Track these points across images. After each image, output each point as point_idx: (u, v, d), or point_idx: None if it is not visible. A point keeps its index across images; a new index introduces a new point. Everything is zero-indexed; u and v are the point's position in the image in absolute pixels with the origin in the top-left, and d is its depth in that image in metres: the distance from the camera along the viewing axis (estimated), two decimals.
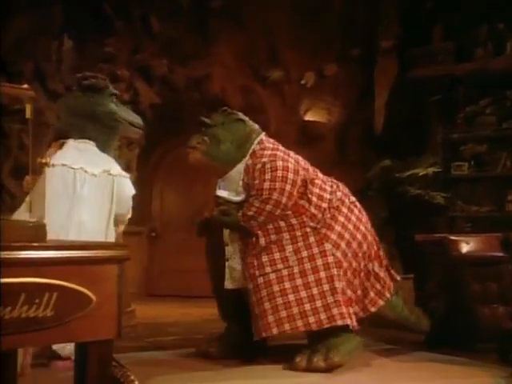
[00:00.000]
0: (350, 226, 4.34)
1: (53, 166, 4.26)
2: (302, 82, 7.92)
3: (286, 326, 4.05)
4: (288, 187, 4.23)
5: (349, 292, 4.23)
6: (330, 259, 4.14)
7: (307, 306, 4.06)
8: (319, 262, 4.13)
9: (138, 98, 7.29)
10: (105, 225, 4.52)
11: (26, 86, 2.22)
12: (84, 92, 4.57)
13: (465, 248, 5.28)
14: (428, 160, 7.43)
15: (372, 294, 4.38)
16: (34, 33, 6.10)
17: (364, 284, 4.40)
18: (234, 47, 7.42)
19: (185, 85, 7.40)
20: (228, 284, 4.27)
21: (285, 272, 4.16)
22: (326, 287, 4.14)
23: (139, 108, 7.21)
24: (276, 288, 4.13)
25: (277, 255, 4.20)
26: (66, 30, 6.45)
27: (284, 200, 4.24)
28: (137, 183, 8.11)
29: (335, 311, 4.04)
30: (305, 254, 4.18)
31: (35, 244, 2.05)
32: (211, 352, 4.45)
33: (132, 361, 4.28)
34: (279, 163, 4.24)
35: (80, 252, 2.12)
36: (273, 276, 4.16)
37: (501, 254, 5.22)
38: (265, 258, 4.19)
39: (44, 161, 2.61)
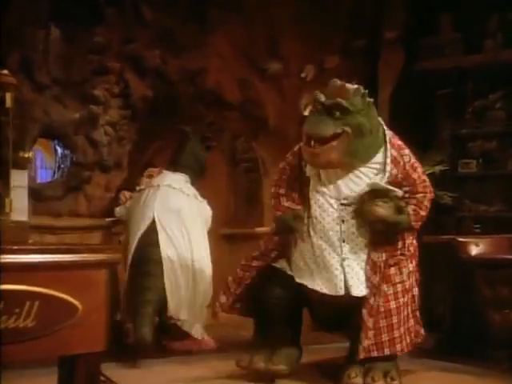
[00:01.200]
0: None
1: (158, 186, 5.90)
2: (302, 75, 7.86)
3: (398, 347, 3.82)
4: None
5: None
6: (417, 274, 4.07)
7: (406, 326, 3.91)
8: (414, 277, 4.02)
9: (129, 91, 7.18)
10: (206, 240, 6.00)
11: (5, 71, 2.12)
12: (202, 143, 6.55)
13: (474, 250, 5.27)
14: (434, 157, 7.35)
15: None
16: (19, 22, 6.02)
17: None
18: (232, 37, 7.36)
19: (179, 77, 7.33)
20: (354, 290, 3.88)
21: (399, 288, 3.97)
22: (414, 306, 4.06)
23: (130, 101, 7.18)
24: (392, 305, 3.88)
25: (404, 270, 3.96)
26: (53, 18, 6.39)
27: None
28: (128, 181, 8.08)
29: (419, 331, 3.96)
30: (411, 266, 4.03)
31: (14, 247, 1.94)
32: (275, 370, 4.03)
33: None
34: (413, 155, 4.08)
35: (64, 256, 2.02)
36: (392, 290, 3.87)
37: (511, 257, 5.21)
38: (393, 271, 3.87)
39: (27, 155, 2.50)
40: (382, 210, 3.76)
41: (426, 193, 3.99)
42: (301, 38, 7.66)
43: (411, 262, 3.96)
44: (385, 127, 4.02)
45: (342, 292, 3.81)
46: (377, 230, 3.79)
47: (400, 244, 3.90)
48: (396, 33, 7.89)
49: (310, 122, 3.71)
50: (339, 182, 3.85)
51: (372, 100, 3.93)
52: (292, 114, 7.86)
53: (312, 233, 3.85)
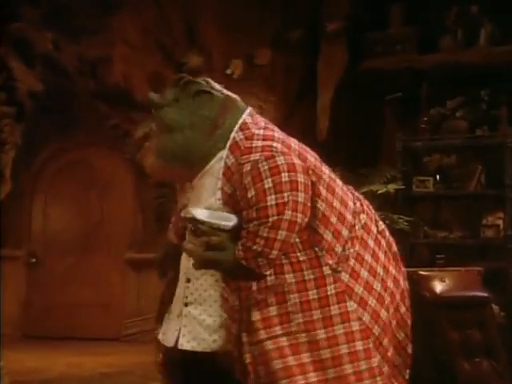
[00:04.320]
0: (380, 270, 3.51)
1: None
2: (228, 71, 7.76)
3: None
4: (301, 197, 3.33)
5: (385, 368, 3.43)
6: (355, 326, 3.30)
7: None
8: (338, 329, 3.31)
9: (14, 84, 7.05)
10: None
11: None
12: None
13: (439, 286, 4.96)
14: (384, 173, 7.20)
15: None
16: None
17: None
18: (141, 21, 7.25)
19: (76, 67, 7.21)
20: (185, 343, 3.24)
21: (284, 341, 3.30)
22: (348, 370, 3.37)
23: (15, 97, 7.07)
24: (277, 365, 3.24)
25: (273, 312, 3.34)
26: None
27: (299, 218, 3.35)
28: (12, 195, 7.82)
29: None
30: (317, 314, 3.37)
31: None
32: None
33: None
34: (280, 160, 3.27)
35: None
36: (269, 345, 3.25)
37: (484, 294, 5.00)
38: (256, 316, 3.29)
39: None
40: (190, 245, 3.29)
41: (265, 217, 3.21)
42: (225, 25, 7.66)
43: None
44: (247, 123, 3.33)
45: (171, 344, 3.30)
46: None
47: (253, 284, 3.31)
48: (339, 24, 7.86)
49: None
50: (190, 194, 3.33)
51: (201, 90, 3.37)
52: None
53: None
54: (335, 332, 3.05)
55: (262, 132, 3.18)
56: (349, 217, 3.19)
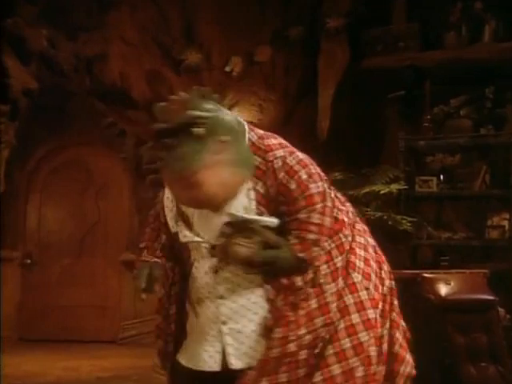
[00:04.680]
0: (373, 264, 3.56)
1: None
2: (227, 68, 7.72)
3: None
4: (326, 186, 3.43)
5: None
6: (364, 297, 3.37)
7: None
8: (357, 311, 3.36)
9: (8, 81, 7.01)
10: None
11: None
12: None
13: (444, 289, 5.10)
14: (386, 173, 7.18)
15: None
16: None
17: None
18: (139, 18, 7.17)
19: (71, 65, 7.13)
20: (236, 361, 3.11)
21: (323, 332, 3.30)
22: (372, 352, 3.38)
23: (9, 95, 7.07)
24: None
25: (314, 304, 3.32)
26: None
27: (330, 205, 3.45)
28: (7, 195, 7.78)
29: None
30: (350, 301, 3.39)
31: None
32: None
33: None
34: (300, 154, 3.33)
35: None
36: (307, 339, 3.28)
37: (490, 297, 5.10)
38: (301, 312, 3.27)
39: None
40: (244, 249, 3.14)
41: (313, 204, 3.17)
42: (225, 22, 7.61)
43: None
44: (246, 127, 3.30)
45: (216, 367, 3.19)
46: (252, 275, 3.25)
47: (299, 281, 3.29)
48: (340, 21, 7.83)
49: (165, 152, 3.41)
50: (201, 221, 3.27)
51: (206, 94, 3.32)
52: None
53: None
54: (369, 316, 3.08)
55: (262, 132, 3.18)
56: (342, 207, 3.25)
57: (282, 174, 3.08)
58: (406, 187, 7.08)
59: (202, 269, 3.17)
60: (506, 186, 7.11)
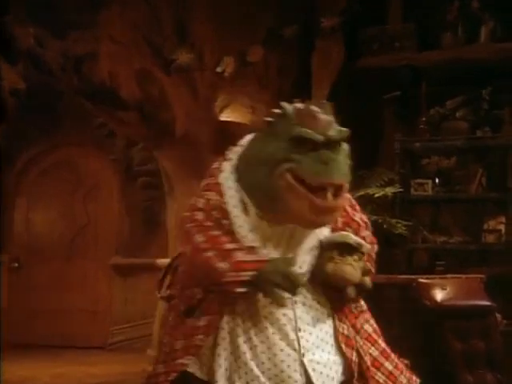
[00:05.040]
0: None
1: None
2: (219, 69, 7.61)
3: None
4: None
5: None
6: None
7: None
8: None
9: None
10: None
11: None
12: None
13: (440, 294, 5.06)
14: (382, 175, 7.18)
15: None
16: None
17: None
18: (129, 17, 7.09)
19: (60, 64, 7.03)
20: None
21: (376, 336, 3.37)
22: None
23: None
24: (390, 365, 3.29)
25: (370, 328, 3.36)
26: None
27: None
28: None
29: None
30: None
31: None
32: None
33: None
34: None
35: None
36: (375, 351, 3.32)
37: (487, 303, 5.12)
38: (369, 329, 3.29)
39: None
40: (355, 271, 3.13)
41: (374, 242, 3.37)
42: (217, 22, 7.53)
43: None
44: None
45: None
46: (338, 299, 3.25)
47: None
48: (335, 20, 7.77)
49: (324, 163, 3.05)
50: (293, 241, 3.23)
51: None
52: (205, 117, 7.76)
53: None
54: None
55: None
56: None
57: (347, 205, 3.23)
58: (401, 190, 7.09)
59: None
60: (503, 189, 7.13)
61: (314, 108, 3.17)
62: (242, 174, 3.07)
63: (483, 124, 7.43)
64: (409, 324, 5.31)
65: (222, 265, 2.93)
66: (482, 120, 7.46)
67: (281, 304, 2.99)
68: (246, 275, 2.94)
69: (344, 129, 3.13)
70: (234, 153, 3.18)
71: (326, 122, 3.13)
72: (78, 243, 9.01)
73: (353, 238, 3.16)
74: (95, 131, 7.99)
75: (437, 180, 7.49)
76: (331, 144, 3.04)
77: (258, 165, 2.97)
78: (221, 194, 3.17)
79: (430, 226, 7.54)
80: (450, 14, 7.66)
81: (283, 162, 2.93)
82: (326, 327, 3.26)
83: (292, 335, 3.12)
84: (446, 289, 5.06)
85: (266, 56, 7.70)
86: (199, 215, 3.15)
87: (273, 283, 2.92)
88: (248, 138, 3.22)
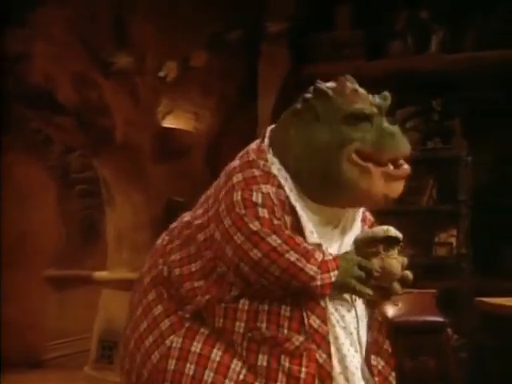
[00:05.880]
0: None
1: None
2: (161, 74, 7.61)
3: None
4: None
5: None
6: None
7: None
8: None
9: None
10: None
11: None
12: None
13: (391, 310, 5.05)
14: None
15: None
16: None
17: None
18: (65, 16, 7.01)
19: None
20: None
21: None
22: None
23: None
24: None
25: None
26: None
27: None
28: None
29: None
30: None
31: None
32: None
33: None
34: None
35: None
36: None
37: (440, 319, 5.20)
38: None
39: None
40: (399, 265, 3.07)
41: None
42: (159, 24, 7.50)
43: None
44: None
45: None
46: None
47: None
48: (282, 25, 7.73)
49: (388, 136, 3.01)
50: (349, 232, 3.13)
51: None
52: (146, 123, 7.77)
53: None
54: None
55: None
56: None
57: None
58: None
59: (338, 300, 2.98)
60: (454, 201, 7.05)
61: (349, 83, 3.25)
62: (288, 166, 2.91)
63: (434, 135, 7.38)
64: None
65: (311, 267, 2.76)
66: (433, 131, 7.41)
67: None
68: (334, 275, 2.80)
69: (387, 93, 3.11)
70: (268, 145, 3.00)
71: (364, 93, 3.12)
72: (11, 254, 8.73)
73: (394, 230, 3.10)
74: (30, 136, 7.96)
75: None
76: (382, 114, 3.02)
77: (312, 153, 2.85)
78: (279, 186, 2.95)
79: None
80: (399, 23, 7.61)
81: (347, 145, 2.86)
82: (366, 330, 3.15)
83: (355, 335, 2.99)
84: (397, 304, 4.99)
85: (210, 61, 7.70)
86: (263, 212, 2.88)
87: (355, 277, 2.83)
88: (271, 128, 3.09)
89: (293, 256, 2.72)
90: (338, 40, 7.75)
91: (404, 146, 3.02)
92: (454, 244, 7.10)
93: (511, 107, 7.18)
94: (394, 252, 3.03)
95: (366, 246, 2.96)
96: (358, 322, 2.96)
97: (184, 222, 3.01)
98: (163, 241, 3.03)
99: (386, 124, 2.99)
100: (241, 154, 3.01)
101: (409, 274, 3.02)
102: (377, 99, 3.05)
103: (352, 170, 2.83)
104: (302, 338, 2.74)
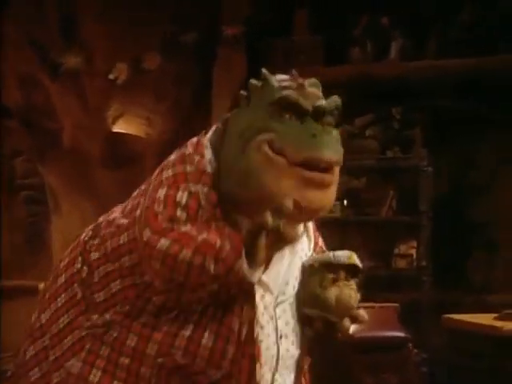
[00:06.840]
0: None
1: None
2: (111, 76, 7.55)
3: None
4: None
5: None
6: None
7: None
8: None
9: None
10: None
11: None
12: None
13: (352, 325, 5.01)
14: None
15: None
16: None
17: None
18: (12, 13, 7.03)
19: None
20: None
21: None
22: None
23: None
24: None
25: None
26: None
27: None
28: None
29: None
30: None
31: None
32: None
33: None
34: None
35: None
36: None
37: (401, 334, 5.23)
38: None
39: None
40: (356, 296, 2.71)
41: None
42: (109, 23, 7.46)
43: None
44: None
45: None
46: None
47: None
48: (238, 29, 7.72)
49: (312, 136, 2.56)
50: (278, 257, 2.81)
51: None
52: (95, 127, 7.69)
53: None
54: None
55: None
56: None
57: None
58: None
59: (264, 330, 2.63)
60: (414, 212, 7.07)
61: (302, 79, 2.70)
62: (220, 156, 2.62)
63: (393, 144, 7.39)
64: (318, 358, 5.10)
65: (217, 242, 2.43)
66: (393, 140, 7.43)
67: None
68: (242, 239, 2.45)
69: (336, 98, 2.64)
70: (213, 135, 2.67)
71: (314, 94, 2.65)
72: None
73: (356, 258, 2.74)
74: None
75: (345, 201, 7.40)
76: (321, 116, 2.57)
77: (233, 140, 2.53)
78: (212, 186, 2.60)
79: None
80: (358, 29, 7.61)
81: (261, 132, 2.48)
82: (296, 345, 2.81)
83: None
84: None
85: (164, 64, 7.62)
86: (181, 215, 2.63)
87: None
88: (224, 117, 2.72)
89: (198, 241, 2.41)
90: (296, 45, 7.73)
91: (329, 149, 2.59)
92: (415, 256, 7.14)
93: (472, 116, 7.21)
94: (353, 283, 2.72)
95: (325, 269, 2.68)
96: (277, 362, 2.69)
97: (111, 218, 2.73)
98: (86, 236, 2.75)
99: (317, 125, 2.57)
100: (182, 146, 2.78)
101: (364, 314, 2.71)
102: (323, 102, 2.63)
103: (259, 161, 2.47)
104: (219, 375, 2.47)
